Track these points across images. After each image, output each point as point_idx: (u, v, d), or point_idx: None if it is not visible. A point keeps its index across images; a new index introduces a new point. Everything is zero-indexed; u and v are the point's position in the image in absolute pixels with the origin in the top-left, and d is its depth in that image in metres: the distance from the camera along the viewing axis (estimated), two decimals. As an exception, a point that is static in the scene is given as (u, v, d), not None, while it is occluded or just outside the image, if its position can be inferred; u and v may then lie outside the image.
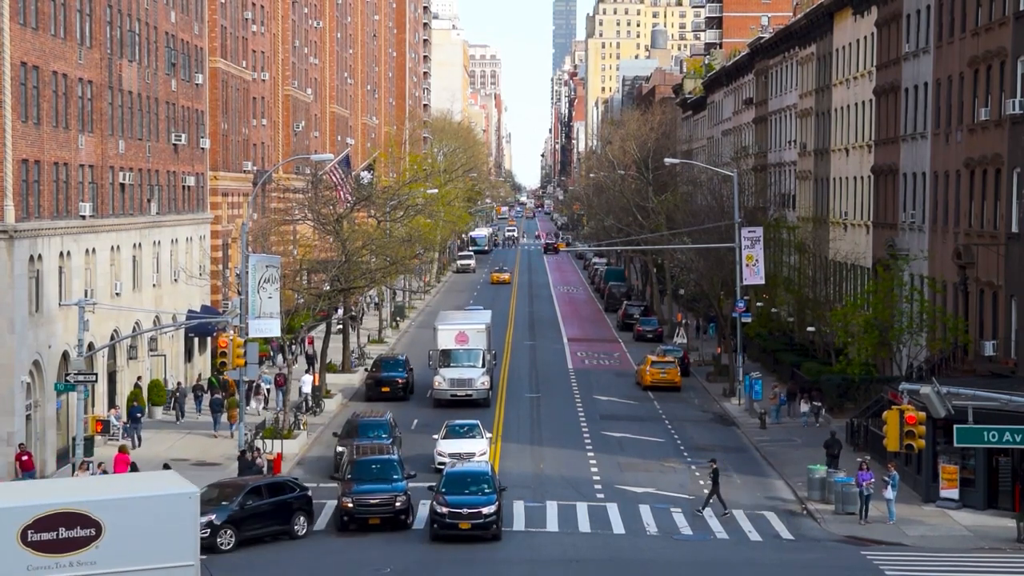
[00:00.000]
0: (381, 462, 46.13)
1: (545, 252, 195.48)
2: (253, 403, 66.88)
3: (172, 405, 65.96)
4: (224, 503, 42.04)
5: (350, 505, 43.65)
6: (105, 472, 47.42)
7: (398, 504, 43.73)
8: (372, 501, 43.70)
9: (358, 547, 42.08)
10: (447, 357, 70.55)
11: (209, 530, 40.81)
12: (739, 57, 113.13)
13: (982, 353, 53.77)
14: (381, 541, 43.14)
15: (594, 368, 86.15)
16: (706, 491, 48.94)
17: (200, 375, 71.95)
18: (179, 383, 67.02)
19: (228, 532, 41.37)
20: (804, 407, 65.18)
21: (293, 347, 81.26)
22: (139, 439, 56.65)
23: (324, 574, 39.70)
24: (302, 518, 43.35)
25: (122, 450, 50.93)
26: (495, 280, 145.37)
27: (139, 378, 63.16)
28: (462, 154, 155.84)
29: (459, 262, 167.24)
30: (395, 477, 44.92)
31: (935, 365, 58.27)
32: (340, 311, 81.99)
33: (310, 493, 44.64)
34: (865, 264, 71.87)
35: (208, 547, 40.51)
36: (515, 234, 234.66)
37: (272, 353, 75.07)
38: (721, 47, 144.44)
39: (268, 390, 67.34)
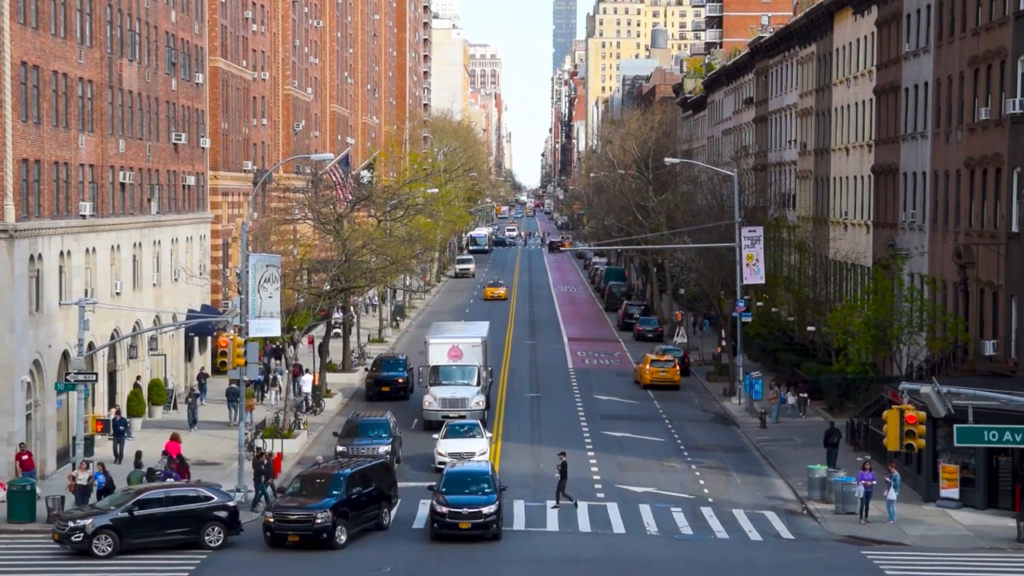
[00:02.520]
0: (325, 476, 43.71)
1: (550, 250, 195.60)
2: (271, 394, 66.97)
3: (174, 405, 66.04)
4: (113, 508, 41.35)
5: (271, 520, 41.68)
6: (106, 471, 47.47)
7: (318, 522, 41.22)
8: (291, 517, 41.54)
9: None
10: (438, 374, 64.66)
11: (82, 535, 40.34)
12: (739, 57, 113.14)
13: (982, 353, 53.77)
14: (381, 540, 43.14)
15: (594, 368, 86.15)
16: (555, 485, 48.57)
17: (203, 368, 72.05)
18: (191, 388, 65.71)
19: (106, 538, 40.41)
20: (791, 399, 66.14)
21: (292, 346, 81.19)
22: (121, 453, 54.24)
23: (324, 573, 39.72)
24: (216, 529, 41.89)
25: (174, 438, 51.50)
26: (489, 296, 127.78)
27: (138, 378, 63.12)
28: (462, 153, 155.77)
29: (458, 266, 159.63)
30: (334, 493, 42.40)
31: (935, 365, 58.27)
32: (338, 314, 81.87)
33: (232, 503, 42.92)
34: (865, 264, 71.88)
35: (84, 551, 40.28)
36: (515, 234, 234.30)
37: (266, 355, 74.40)
38: (721, 47, 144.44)
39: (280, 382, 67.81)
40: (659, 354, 79.18)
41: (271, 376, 69.21)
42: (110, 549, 40.51)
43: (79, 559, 40.27)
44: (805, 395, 66.65)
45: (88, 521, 40.72)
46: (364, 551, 41.78)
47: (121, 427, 55.28)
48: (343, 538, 41.90)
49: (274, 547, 41.52)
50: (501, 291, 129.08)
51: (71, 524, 40.81)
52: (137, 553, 40.80)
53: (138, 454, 50.06)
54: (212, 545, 41.77)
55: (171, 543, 41.63)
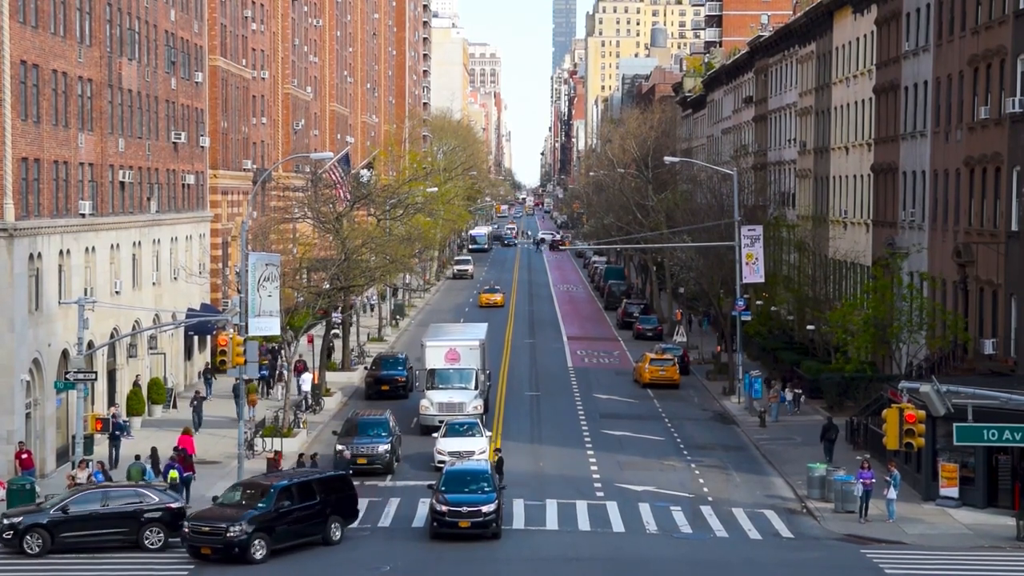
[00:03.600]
0: (258, 487, 42.30)
1: (551, 249, 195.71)
2: (279, 388, 66.99)
3: (173, 404, 66.04)
4: (48, 507, 41.26)
5: (187, 531, 40.74)
6: (104, 470, 47.48)
7: (230, 535, 39.70)
8: (204, 529, 40.34)
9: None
10: (435, 377, 63.08)
11: (12, 532, 40.28)
12: (739, 56, 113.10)
13: (982, 351, 53.76)
14: (380, 539, 43.17)
15: (594, 367, 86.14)
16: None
17: (207, 364, 72.16)
18: (196, 392, 64.41)
19: (37, 536, 40.24)
20: (788, 395, 66.79)
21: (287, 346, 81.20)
22: (116, 458, 53.11)
23: (322, 572, 39.70)
24: (156, 530, 41.42)
25: (186, 431, 52.28)
26: (485, 302, 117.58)
27: (137, 376, 63.01)
28: (462, 152, 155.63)
29: (455, 267, 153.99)
30: (259, 505, 40.85)
31: (935, 363, 58.26)
32: (337, 316, 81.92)
33: (177, 506, 42.13)
34: (865, 263, 71.88)
35: (18, 551, 40.14)
36: (515, 234, 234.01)
37: (262, 353, 74.25)
38: (721, 45, 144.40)
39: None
40: (658, 353, 79.39)
41: (277, 371, 69.26)
42: (39, 548, 40.29)
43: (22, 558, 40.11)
44: (800, 391, 67.09)
45: (19, 519, 40.64)
46: (363, 551, 41.78)
47: (116, 432, 54.25)
48: (261, 553, 40.11)
49: (194, 558, 40.31)
50: (497, 297, 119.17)
51: (5, 521, 40.81)
52: (70, 552, 40.52)
53: (153, 450, 50.36)
54: (151, 547, 41.27)
55: (107, 543, 41.20)
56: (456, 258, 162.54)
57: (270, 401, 66.47)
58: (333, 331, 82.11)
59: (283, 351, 70.11)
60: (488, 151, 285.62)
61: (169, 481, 46.95)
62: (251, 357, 50.29)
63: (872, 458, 50.87)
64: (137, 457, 49.19)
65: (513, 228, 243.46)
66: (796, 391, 67.07)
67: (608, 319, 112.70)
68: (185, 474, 48.16)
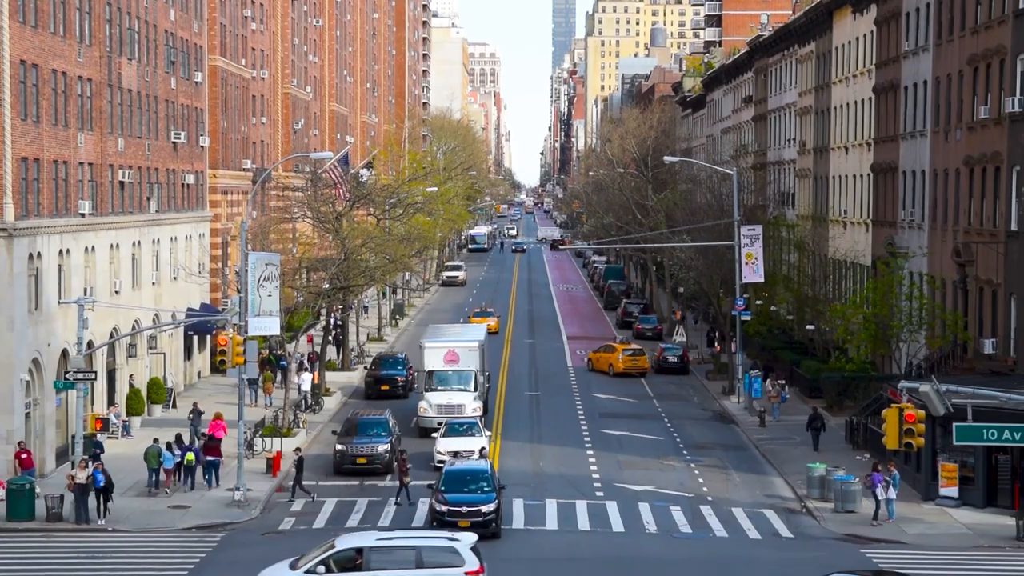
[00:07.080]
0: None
1: (551, 248, 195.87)
2: (298, 379, 67.34)
3: (173, 403, 66.00)
4: None
5: None
6: (104, 470, 47.40)
7: None
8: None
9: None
10: (434, 379, 62.54)
11: None
12: (738, 55, 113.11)
13: (981, 351, 53.77)
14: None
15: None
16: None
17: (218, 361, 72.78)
18: (195, 404, 61.03)
19: None
20: (769, 386, 67.05)
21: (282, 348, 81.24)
22: (103, 471, 48.81)
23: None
24: None
25: (217, 416, 53.71)
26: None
27: (132, 376, 62.63)
28: (461, 152, 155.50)
29: (445, 273, 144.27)
30: None
31: (934, 363, 58.27)
32: (334, 320, 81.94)
33: None
34: (864, 262, 71.90)
35: None
36: (515, 234, 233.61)
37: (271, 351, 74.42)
38: (720, 45, 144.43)
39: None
40: (625, 343, 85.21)
41: (300, 361, 69.43)
42: None
43: None
44: (783, 382, 67.84)
45: None
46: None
47: (97, 450, 51.36)
48: None
49: None
50: (491, 322, 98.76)
51: None
52: None
53: (178, 436, 50.98)
54: None
55: None
56: (447, 264, 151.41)
57: (291, 388, 66.41)
58: (331, 335, 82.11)
59: (283, 350, 70.23)
60: (488, 151, 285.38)
61: (185, 463, 49.23)
62: (251, 357, 50.36)
63: (871, 457, 50.86)
64: (155, 440, 50.02)
65: (514, 227, 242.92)
66: (779, 382, 67.38)
67: (608, 319, 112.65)
68: (211, 458, 49.83)
